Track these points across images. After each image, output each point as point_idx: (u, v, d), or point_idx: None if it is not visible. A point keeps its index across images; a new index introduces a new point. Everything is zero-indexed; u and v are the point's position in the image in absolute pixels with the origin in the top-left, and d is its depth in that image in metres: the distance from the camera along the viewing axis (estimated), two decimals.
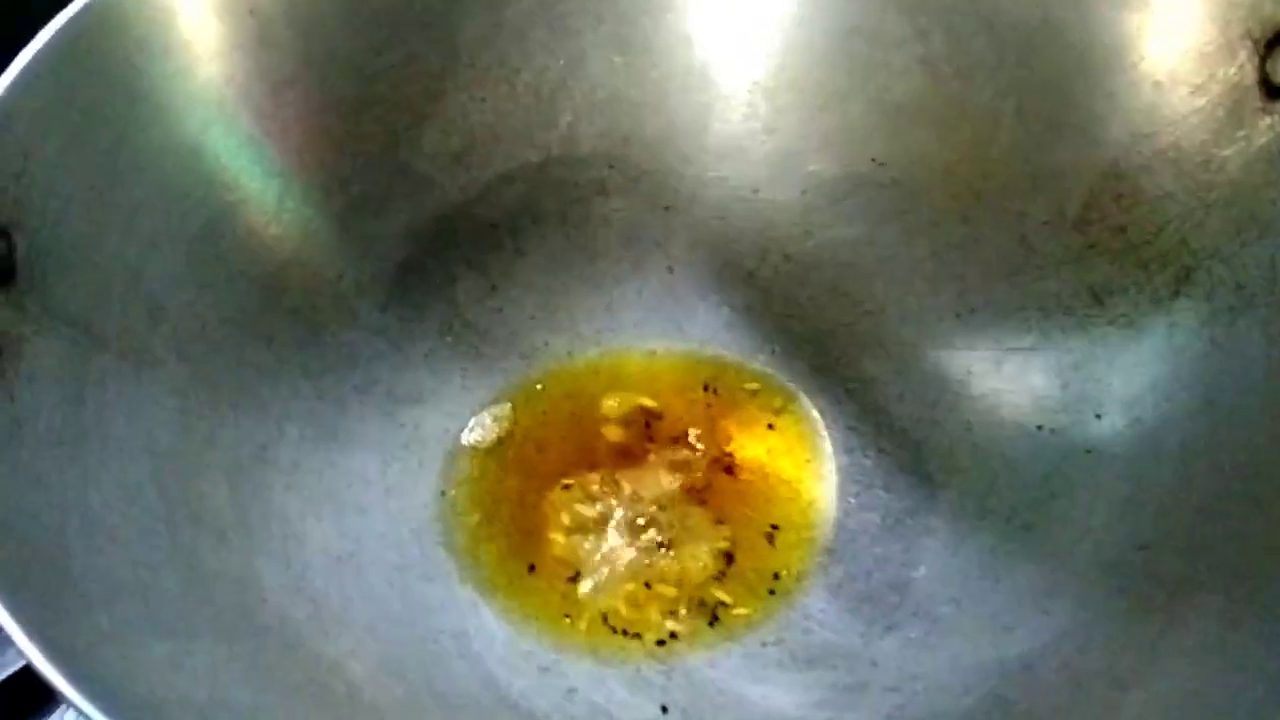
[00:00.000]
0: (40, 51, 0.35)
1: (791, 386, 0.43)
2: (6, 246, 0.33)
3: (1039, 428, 0.40)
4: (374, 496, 0.39)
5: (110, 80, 0.38)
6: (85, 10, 0.37)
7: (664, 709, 0.35)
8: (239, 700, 0.30)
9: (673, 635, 0.37)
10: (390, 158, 0.44)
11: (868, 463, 0.41)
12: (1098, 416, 0.38)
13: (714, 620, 0.37)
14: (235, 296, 0.40)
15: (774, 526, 0.40)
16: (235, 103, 0.40)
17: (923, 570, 0.38)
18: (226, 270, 0.40)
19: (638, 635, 0.37)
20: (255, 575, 0.35)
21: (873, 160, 0.45)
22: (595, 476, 0.41)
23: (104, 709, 0.24)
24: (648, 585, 0.38)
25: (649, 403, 0.43)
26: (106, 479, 0.34)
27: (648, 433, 0.42)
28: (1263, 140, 0.37)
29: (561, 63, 0.46)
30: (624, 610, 0.37)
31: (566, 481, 0.40)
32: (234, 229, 0.40)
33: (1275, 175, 0.36)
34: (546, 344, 0.45)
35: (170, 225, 0.39)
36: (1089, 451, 0.38)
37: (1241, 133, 0.37)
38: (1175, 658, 0.31)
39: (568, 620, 0.37)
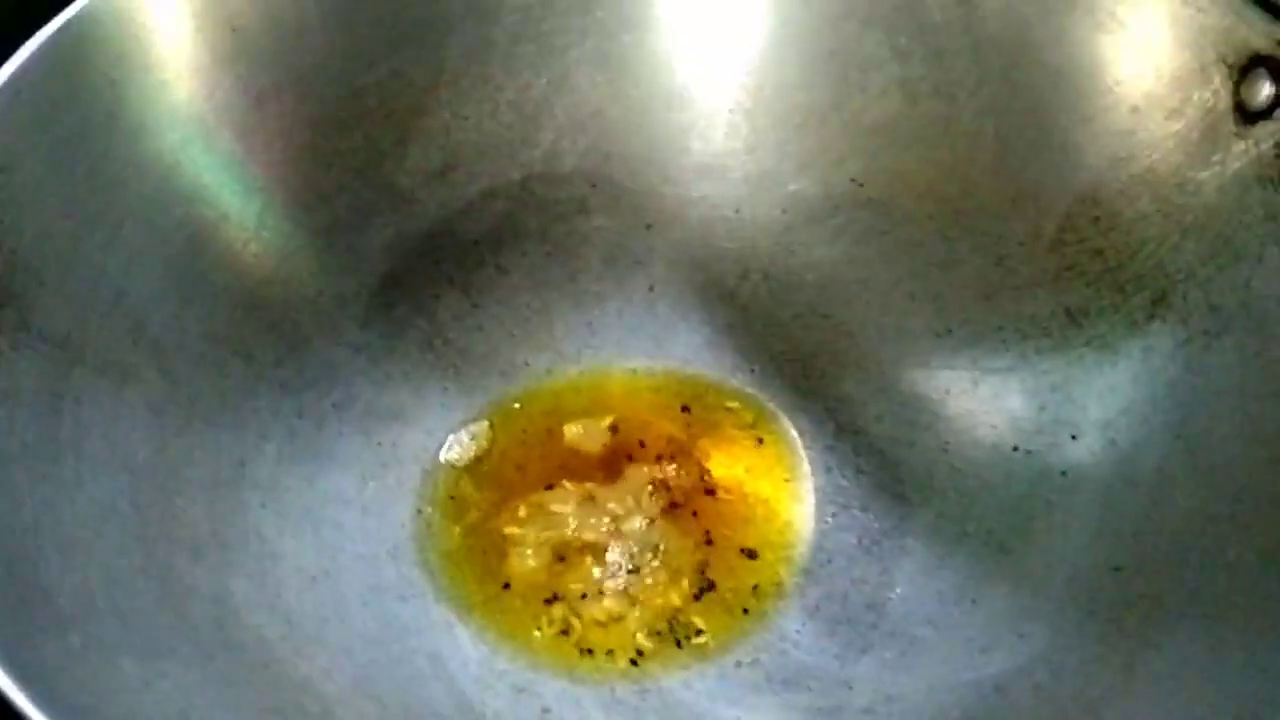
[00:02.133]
0: (21, 67, 0.35)
1: (771, 406, 0.43)
2: None
3: (1015, 449, 0.40)
4: (351, 515, 0.39)
5: (91, 96, 0.38)
6: (66, 26, 0.37)
7: None
8: None
9: (648, 655, 0.37)
10: (373, 174, 0.44)
11: (845, 483, 0.41)
12: (1073, 438, 0.39)
13: (689, 641, 0.37)
14: (216, 312, 0.40)
15: (751, 546, 0.40)
16: (216, 118, 0.40)
17: (899, 591, 0.38)
18: (207, 286, 0.40)
19: (612, 655, 0.37)
20: (230, 593, 0.35)
21: (852, 180, 0.45)
22: (574, 495, 0.40)
23: None
24: (624, 605, 0.38)
25: (629, 422, 0.43)
26: (81, 495, 0.34)
27: (627, 452, 0.42)
28: (1237, 165, 0.37)
29: (545, 80, 0.46)
30: (600, 630, 0.37)
31: (544, 500, 0.40)
32: (215, 245, 0.40)
33: (1250, 199, 0.36)
34: (527, 362, 0.45)
35: (151, 241, 0.39)
36: (1064, 473, 0.38)
37: (1217, 156, 0.37)
38: (1147, 682, 0.31)
39: (543, 640, 0.37)
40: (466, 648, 0.37)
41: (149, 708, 0.29)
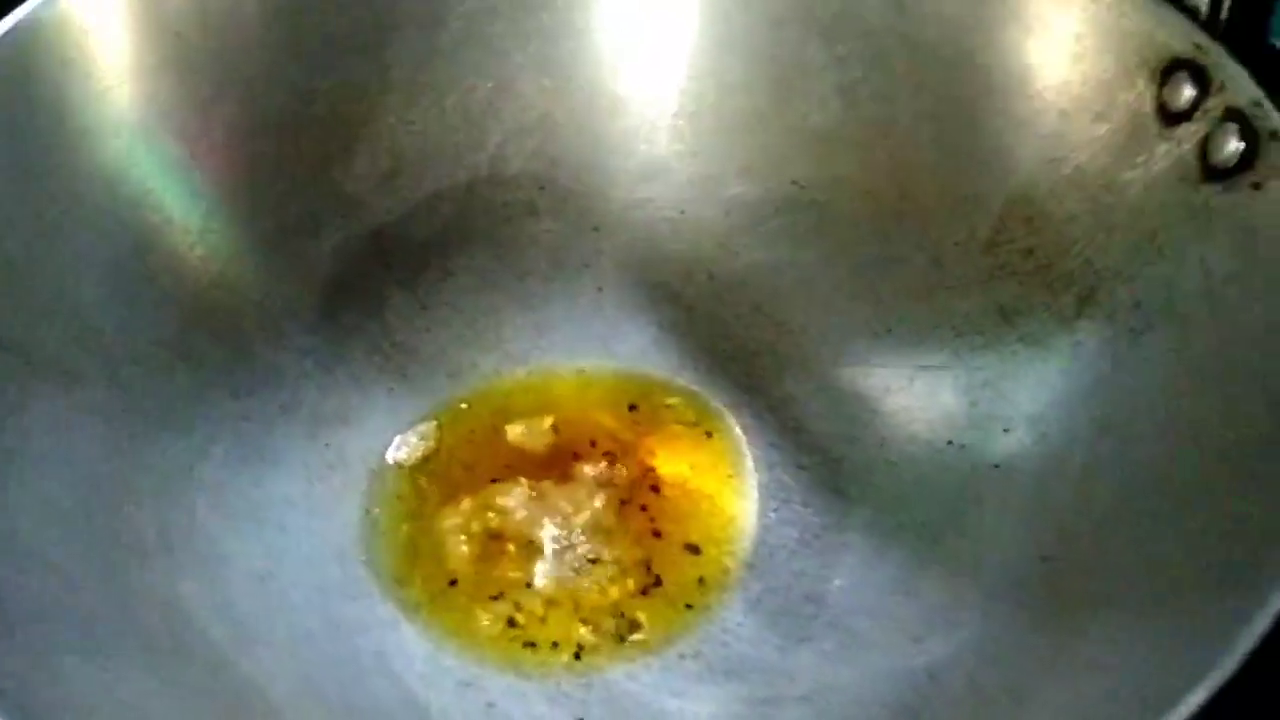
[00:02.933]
0: None
1: (716, 404, 0.44)
2: None
3: (949, 443, 0.41)
4: (298, 516, 0.40)
5: (36, 101, 0.38)
6: (9, 33, 0.37)
7: None
8: None
9: (593, 650, 0.37)
10: (319, 179, 0.45)
11: (787, 479, 0.42)
12: (1005, 432, 0.40)
13: (633, 634, 0.38)
14: (162, 317, 0.40)
15: (695, 541, 0.40)
16: (159, 123, 0.41)
17: (838, 583, 0.39)
18: (153, 291, 0.40)
19: (557, 649, 0.37)
20: (179, 596, 0.35)
21: (793, 183, 0.46)
22: (521, 494, 0.41)
23: None
24: (569, 600, 0.39)
25: (576, 421, 0.44)
26: (30, 499, 0.34)
27: (574, 450, 0.43)
28: (1161, 165, 0.38)
29: (490, 84, 0.47)
30: (545, 625, 0.38)
31: (491, 498, 0.41)
32: (160, 250, 0.41)
33: (1172, 198, 0.38)
34: (474, 364, 0.45)
35: (98, 246, 0.39)
36: (997, 466, 0.39)
37: (1141, 157, 0.39)
38: (1072, 668, 0.32)
39: (488, 636, 0.38)
40: (412, 645, 0.37)
41: (106, 709, 0.30)
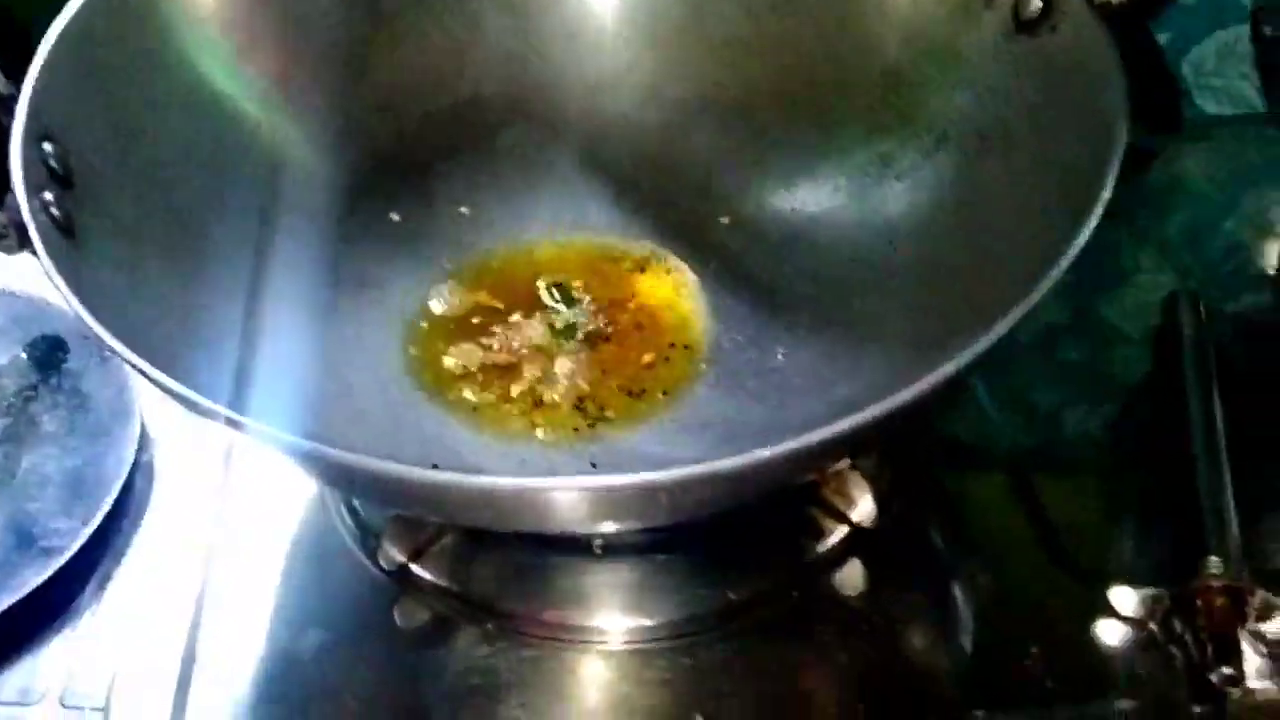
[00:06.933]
0: (80, 9, 0.46)
1: (671, 257, 0.56)
2: (64, 155, 0.43)
3: (852, 260, 0.53)
4: (356, 354, 0.51)
5: (138, 31, 0.49)
6: None
7: (593, 465, 0.47)
8: None
9: (594, 422, 0.49)
10: (340, 105, 0.56)
11: (732, 302, 0.54)
12: (890, 244, 0.52)
13: (628, 410, 0.50)
14: (241, 217, 0.51)
15: (667, 350, 0.52)
16: (238, 46, 0.52)
17: (776, 362, 0.51)
18: (227, 175, 0.51)
19: (568, 424, 0.49)
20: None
21: (714, 84, 0.58)
22: (528, 323, 0.53)
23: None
24: (575, 390, 0.50)
25: (561, 276, 0.55)
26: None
27: (563, 297, 0.54)
28: (988, 31, 0.51)
29: (463, 25, 0.58)
30: (560, 409, 0.50)
31: (503, 328, 0.53)
32: (229, 142, 0.52)
33: (999, 54, 0.50)
34: (472, 241, 0.57)
35: (186, 147, 0.50)
36: (885, 269, 0.52)
37: (973, 26, 0.51)
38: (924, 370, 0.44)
39: (514, 421, 0.50)
40: (458, 432, 0.49)
41: None
